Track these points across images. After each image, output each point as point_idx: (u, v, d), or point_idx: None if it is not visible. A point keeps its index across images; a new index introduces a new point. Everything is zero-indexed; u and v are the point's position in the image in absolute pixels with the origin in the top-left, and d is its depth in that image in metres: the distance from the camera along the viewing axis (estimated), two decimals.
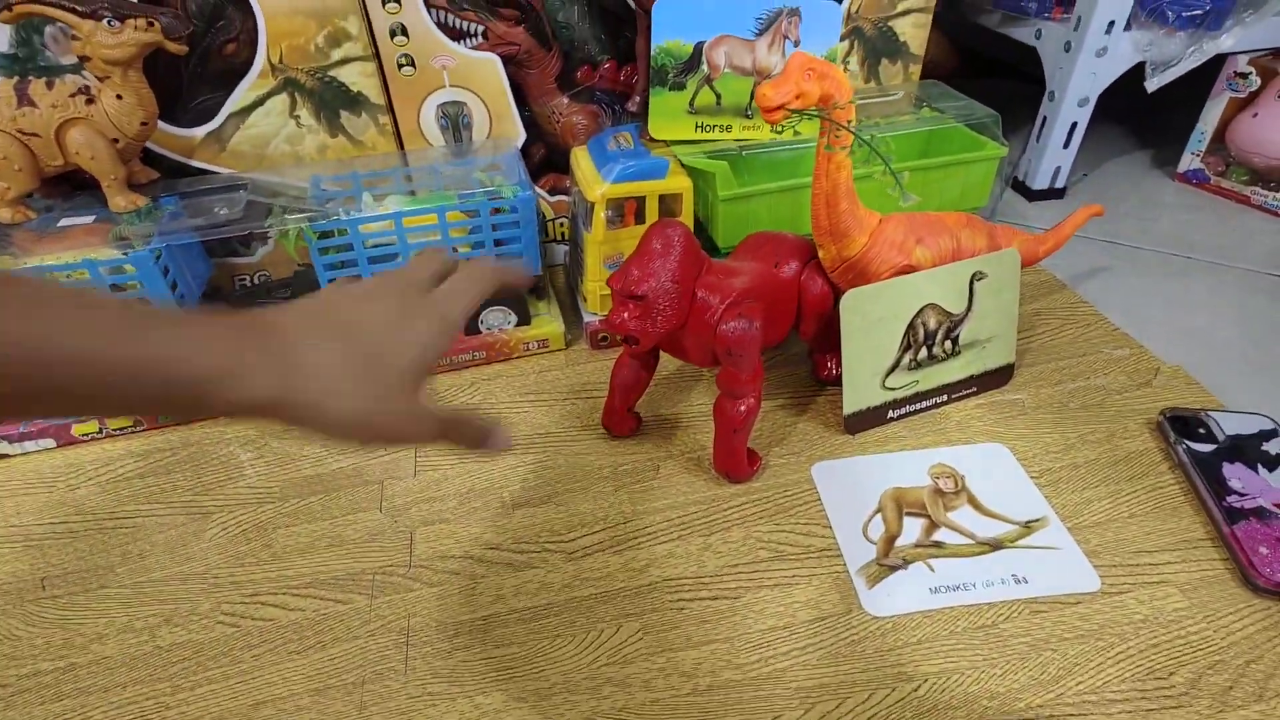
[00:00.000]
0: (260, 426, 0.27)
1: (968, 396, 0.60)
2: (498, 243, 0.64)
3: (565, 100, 0.74)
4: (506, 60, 0.69)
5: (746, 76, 0.62)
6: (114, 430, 0.61)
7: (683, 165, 0.64)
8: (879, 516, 0.52)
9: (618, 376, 0.57)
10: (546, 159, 0.79)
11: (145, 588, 0.50)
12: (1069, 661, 0.43)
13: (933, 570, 0.48)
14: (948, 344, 0.58)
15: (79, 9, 0.52)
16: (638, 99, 0.71)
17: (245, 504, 0.56)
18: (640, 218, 0.65)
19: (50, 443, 0.60)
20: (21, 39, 0.57)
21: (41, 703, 0.44)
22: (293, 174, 0.66)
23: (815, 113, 0.47)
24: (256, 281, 0.72)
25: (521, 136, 0.72)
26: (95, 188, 0.63)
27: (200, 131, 0.65)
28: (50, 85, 0.54)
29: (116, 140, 0.57)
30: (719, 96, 0.62)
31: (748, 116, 0.64)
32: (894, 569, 0.48)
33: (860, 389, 0.56)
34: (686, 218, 0.65)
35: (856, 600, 0.47)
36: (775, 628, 0.46)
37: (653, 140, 0.66)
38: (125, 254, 0.56)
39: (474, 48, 0.67)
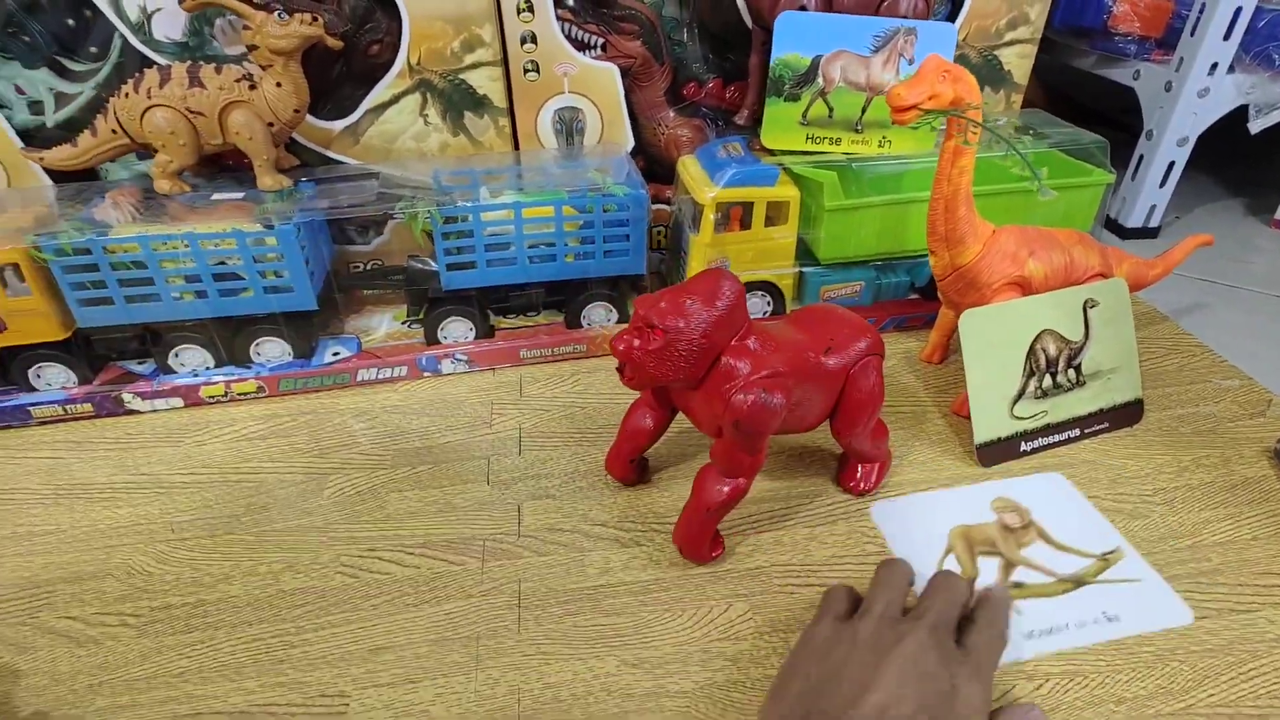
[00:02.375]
0: None
1: (1100, 433, 0.59)
2: (607, 239, 0.66)
3: (672, 114, 0.77)
4: (623, 72, 0.72)
5: (859, 92, 0.64)
6: (237, 394, 0.64)
7: (791, 174, 0.66)
8: (952, 556, 0.49)
9: (628, 421, 0.52)
10: (647, 170, 0.82)
11: (268, 536, 0.52)
12: (1198, 674, 0.42)
13: (1020, 613, 0.45)
14: (1071, 372, 0.57)
15: (253, 1, 0.58)
16: (746, 113, 0.74)
17: (359, 469, 0.58)
18: (745, 224, 0.67)
19: (178, 402, 0.64)
20: (194, 29, 0.63)
21: (173, 633, 0.45)
22: (415, 168, 0.70)
23: (950, 112, 0.48)
24: (368, 268, 0.76)
25: (630, 143, 0.75)
26: (238, 170, 0.68)
27: (339, 125, 0.69)
28: (218, 70, 0.59)
29: (272, 124, 0.61)
30: (831, 110, 0.65)
31: (857, 131, 0.66)
32: None
33: (989, 417, 0.55)
34: (792, 227, 0.67)
35: None
36: None
37: (761, 151, 0.68)
38: (271, 226, 0.59)
39: (594, 58, 0.71)
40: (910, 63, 0.63)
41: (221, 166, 0.69)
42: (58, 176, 0.66)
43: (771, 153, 0.68)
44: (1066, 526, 0.50)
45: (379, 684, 0.42)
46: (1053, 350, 0.57)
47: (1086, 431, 0.59)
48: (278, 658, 0.44)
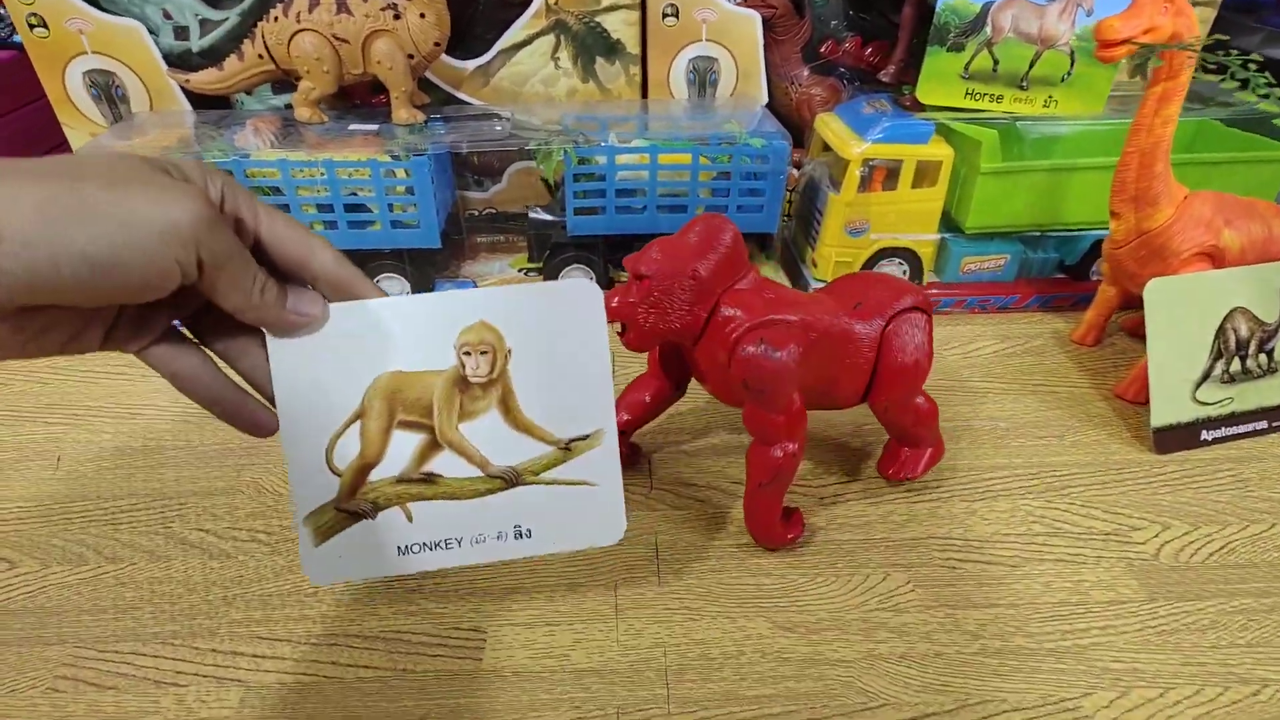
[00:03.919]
0: None
1: None
2: (742, 192, 0.63)
3: (806, 72, 0.74)
4: (763, 22, 0.69)
5: (1029, 44, 0.59)
6: None
7: (946, 131, 0.62)
8: (355, 429, 0.31)
9: (625, 394, 0.47)
10: None
11: None
12: None
13: (410, 519, 0.32)
14: (1262, 358, 0.52)
15: None
16: (892, 69, 0.69)
17: None
18: (889, 184, 0.63)
19: None
20: None
21: None
22: (541, 113, 0.68)
23: (1170, 46, 0.43)
24: (481, 214, 0.75)
25: (764, 98, 0.72)
26: (365, 108, 0.68)
27: (471, 65, 0.68)
28: None
29: (412, 56, 0.60)
30: (996, 63, 0.60)
31: (1022, 87, 0.61)
32: (357, 518, 0.32)
33: (1170, 399, 0.50)
34: (941, 190, 0.63)
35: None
36: (1066, 603, 0.41)
37: (910, 108, 0.64)
38: (405, 157, 0.58)
39: (735, 4, 0.68)
40: (1089, 14, 0.58)
41: (350, 105, 0.69)
42: (196, 102, 0.66)
43: (921, 109, 0.63)
44: (551, 386, 0.32)
45: (515, 624, 0.40)
46: (1244, 331, 0.51)
47: (1275, 425, 0.53)
48: (409, 586, 0.42)
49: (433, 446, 0.32)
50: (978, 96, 0.61)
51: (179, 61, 0.65)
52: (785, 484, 0.42)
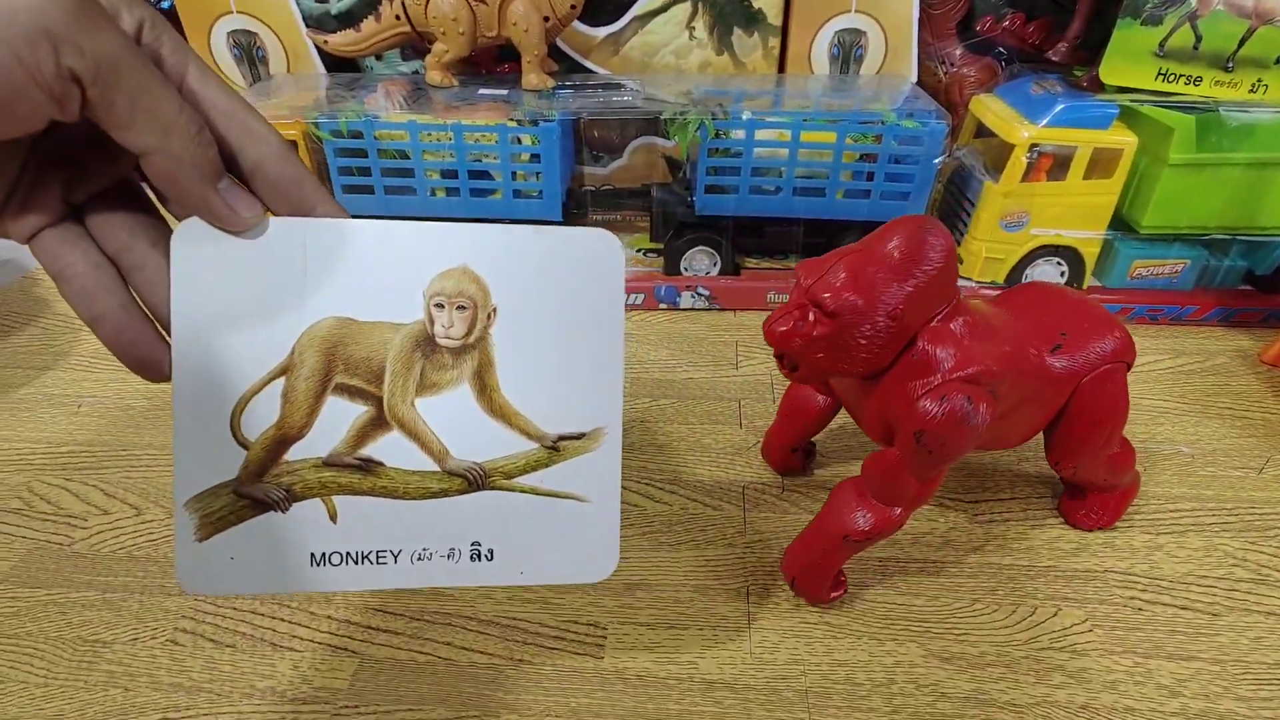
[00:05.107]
0: None
1: None
2: (888, 176, 0.58)
3: (959, 51, 0.68)
4: None
5: (1242, 19, 0.52)
6: None
7: (1132, 115, 0.55)
8: (278, 385, 0.24)
9: (792, 398, 0.43)
10: None
11: None
12: None
13: (334, 519, 0.25)
14: None
15: None
16: (1065, 47, 0.62)
17: None
18: (1056, 174, 0.56)
19: None
20: None
21: None
22: (670, 86, 0.65)
23: None
24: (599, 190, 0.72)
25: (914, 76, 0.66)
26: (492, 75, 0.66)
27: (602, 32, 0.65)
28: None
29: (547, 19, 0.58)
30: (1199, 39, 0.53)
31: (1226, 69, 0.53)
32: (263, 508, 0.24)
33: None
34: (1117, 182, 0.56)
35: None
36: None
37: (1086, 88, 0.57)
38: (535, 123, 0.56)
39: None
40: None
41: (476, 72, 0.67)
42: (329, 66, 0.66)
43: (1100, 89, 0.56)
44: (545, 363, 0.25)
45: (638, 623, 0.37)
46: None
47: None
48: None
49: (377, 424, 0.25)
50: (1172, 78, 0.54)
51: (316, 24, 0.65)
52: (865, 548, 0.35)
